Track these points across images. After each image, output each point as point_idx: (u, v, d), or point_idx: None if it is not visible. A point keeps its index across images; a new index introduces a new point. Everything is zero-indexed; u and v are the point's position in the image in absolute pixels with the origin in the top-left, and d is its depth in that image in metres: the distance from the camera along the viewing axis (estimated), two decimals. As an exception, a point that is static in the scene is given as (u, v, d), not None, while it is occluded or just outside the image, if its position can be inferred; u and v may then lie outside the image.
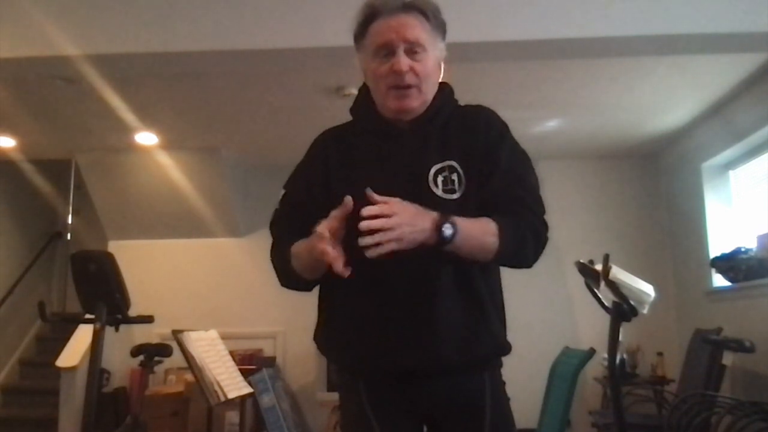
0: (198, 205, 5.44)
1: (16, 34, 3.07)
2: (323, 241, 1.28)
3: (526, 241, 1.38)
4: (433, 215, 1.28)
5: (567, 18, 2.99)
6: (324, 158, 1.48)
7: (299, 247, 1.39)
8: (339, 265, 1.28)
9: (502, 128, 1.48)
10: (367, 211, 1.24)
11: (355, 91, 1.58)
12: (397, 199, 1.27)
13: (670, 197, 5.42)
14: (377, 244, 1.23)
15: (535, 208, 1.42)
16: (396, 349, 1.35)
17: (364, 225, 1.23)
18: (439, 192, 1.38)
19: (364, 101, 1.52)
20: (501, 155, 1.43)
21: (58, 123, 4.67)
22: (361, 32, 1.46)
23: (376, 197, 1.27)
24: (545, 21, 2.99)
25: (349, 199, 1.29)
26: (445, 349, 1.35)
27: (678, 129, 4.90)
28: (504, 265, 1.44)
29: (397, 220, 1.24)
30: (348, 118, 1.56)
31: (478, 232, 1.33)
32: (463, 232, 1.29)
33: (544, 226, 1.43)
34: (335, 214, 1.31)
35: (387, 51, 1.40)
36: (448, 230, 1.27)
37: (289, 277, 1.44)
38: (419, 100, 1.43)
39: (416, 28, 1.40)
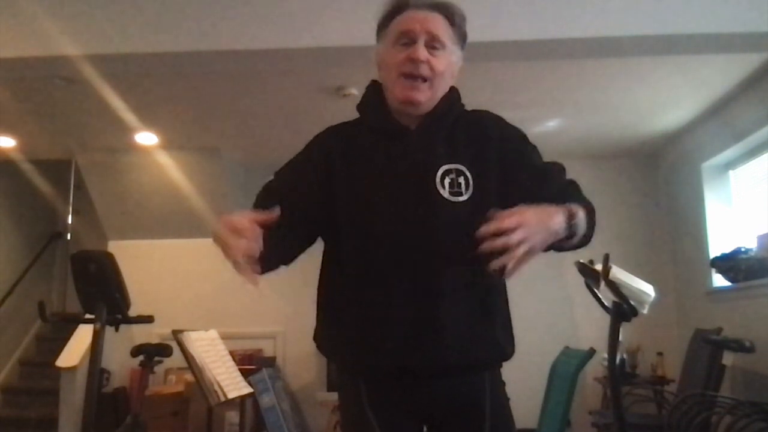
0: (198, 205, 5.43)
1: (16, 34, 3.07)
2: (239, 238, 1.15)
3: (595, 221, 1.36)
4: (561, 214, 1.23)
5: (567, 18, 2.99)
6: (326, 154, 1.46)
7: None
8: (249, 276, 1.15)
9: (520, 132, 1.48)
10: (486, 230, 1.14)
11: (355, 91, 1.58)
12: (524, 209, 1.17)
13: (670, 197, 5.42)
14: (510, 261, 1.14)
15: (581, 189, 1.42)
16: (398, 349, 1.35)
17: (486, 248, 1.13)
18: (445, 194, 1.37)
19: (372, 99, 1.50)
20: (534, 159, 1.45)
21: (58, 123, 4.67)
22: (385, 22, 1.46)
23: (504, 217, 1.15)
24: (545, 21, 2.99)
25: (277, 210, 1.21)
26: (448, 351, 1.35)
27: (678, 129, 4.90)
28: (571, 248, 1.36)
29: (523, 234, 1.13)
30: (349, 117, 1.55)
31: (584, 223, 1.29)
32: (580, 225, 1.27)
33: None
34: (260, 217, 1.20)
35: (407, 39, 1.40)
36: (576, 228, 1.25)
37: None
38: (427, 95, 1.42)
39: (440, 26, 1.41)
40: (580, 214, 1.27)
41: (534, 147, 1.48)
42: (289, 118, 4.58)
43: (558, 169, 1.45)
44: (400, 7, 1.44)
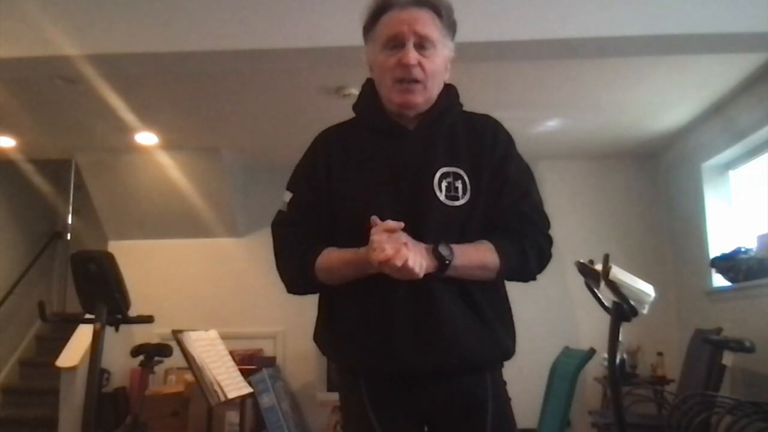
0: (198, 205, 5.44)
1: (16, 34, 3.07)
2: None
3: (528, 259, 1.40)
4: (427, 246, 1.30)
5: (567, 18, 2.99)
6: (325, 157, 1.46)
7: (335, 258, 1.38)
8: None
9: (509, 143, 1.48)
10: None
11: (355, 91, 1.57)
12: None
13: (670, 197, 5.42)
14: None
15: (541, 225, 1.44)
16: (399, 350, 1.35)
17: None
18: (442, 197, 1.36)
19: (368, 98, 1.49)
20: (509, 172, 1.43)
21: (58, 123, 4.67)
22: (371, 23, 1.43)
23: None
24: (545, 21, 2.99)
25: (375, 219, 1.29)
26: (449, 352, 1.35)
27: (678, 129, 4.90)
28: (508, 280, 1.45)
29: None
30: (349, 116, 1.54)
31: (476, 255, 1.35)
32: (460, 255, 1.31)
33: (548, 242, 1.45)
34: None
35: (396, 43, 1.38)
36: (444, 250, 1.29)
37: (307, 284, 1.43)
38: (423, 96, 1.41)
39: (428, 24, 1.38)
40: (456, 252, 1.30)
41: (518, 162, 1.47)
42: (289, 118, 4.58)
43: (526, 193, 1.45)
44: (384, 6, 1.41)
